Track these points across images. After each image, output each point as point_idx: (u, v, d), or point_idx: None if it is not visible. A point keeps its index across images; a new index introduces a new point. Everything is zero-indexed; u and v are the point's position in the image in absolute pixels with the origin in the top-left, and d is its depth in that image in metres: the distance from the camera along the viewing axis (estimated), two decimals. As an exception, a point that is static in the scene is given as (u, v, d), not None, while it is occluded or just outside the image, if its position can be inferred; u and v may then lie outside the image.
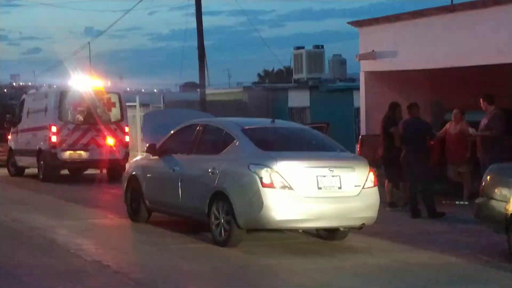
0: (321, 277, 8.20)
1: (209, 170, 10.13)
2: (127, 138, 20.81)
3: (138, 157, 13.02)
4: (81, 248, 9.78)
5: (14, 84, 65.90)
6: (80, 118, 20.10)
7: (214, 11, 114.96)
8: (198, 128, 11.27)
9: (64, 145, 19.54)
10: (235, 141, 10.13)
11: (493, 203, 9.39)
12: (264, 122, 11.52)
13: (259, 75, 63.11)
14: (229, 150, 10.15)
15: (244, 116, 19.79)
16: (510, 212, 8.99)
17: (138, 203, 11.95)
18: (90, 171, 21.84)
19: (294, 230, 10.40)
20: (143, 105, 26.48)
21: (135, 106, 26.38)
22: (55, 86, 21.03)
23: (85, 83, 20.33)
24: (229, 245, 9.69)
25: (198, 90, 25.51)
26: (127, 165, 12.93)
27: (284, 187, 9.31)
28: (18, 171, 22.24)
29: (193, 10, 23.99)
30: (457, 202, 14.08)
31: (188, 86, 39.59)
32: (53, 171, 19.98)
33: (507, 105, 15.27)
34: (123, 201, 12.48)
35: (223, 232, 9.78)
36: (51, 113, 19.79)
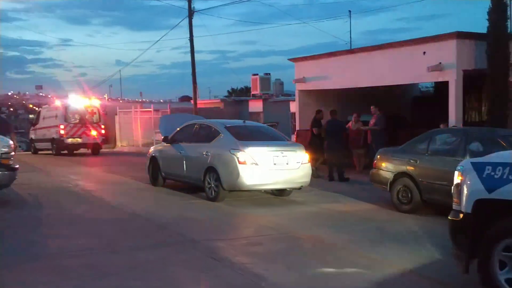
0: (276, 220, 8.17)
1: (204, 153, 10.01)
2: (103, 131, 22.67)
3: (158, 145, 12.68)
4: (121, 203, 9.56)
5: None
6: (77, 120, 22.02)
7: (198, 50, 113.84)
8: (196, 126, 11.12)
9: (68, 135, 21.66)
10: (221, 134, 10.02)
11: (382, 172, 9.51)
12: (238, 122, 11.33)
13: (228, 91, 62.41)
14: (217, 140, 10.01)
15: (222, 118, 19.66)
16: (391, 178, 9.16)
17: (157, 174, 11.76)
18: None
19: (259, 191, 10.38)
20: (155, 110, 26.30)
21: (150, 111, 26.12)
22: (62, 103, 22.91)
23: (79, 101, 22.85)
24: (217, 200, 9.61)
25: (191, 101, 25.33)
26: (150, 149, 12.61)
27: (252, 163, 9.26)
28: (35, 151, 23.62)
29: (185, 49, 24.06)
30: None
31: (184, 98, 38.89)
32: (61, 150, 21.88)
33: (386, 111, 15.48)
34: (146, 172, 12.25)
35: (213, 192, 9.71)
36: (60, 118, 21.81)
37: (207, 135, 10.49)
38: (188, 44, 23.75)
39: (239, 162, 9.21)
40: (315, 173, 13.22)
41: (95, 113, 22.59)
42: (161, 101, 47.61)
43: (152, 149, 12.52)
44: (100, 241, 6.60)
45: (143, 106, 30.06)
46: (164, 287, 4.86)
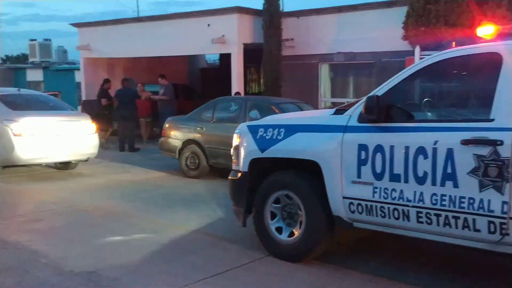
0: (60, 194, 7.69)
1: None
2: None
3: None
4: None
5: None
6: None
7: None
8: None
9: None
10: (-11, 103, 8.83)
11: (171, 140, 9.68)
12: (12, 90, 10.15)
13: (1, 58, 54.90)
14: (-15, 111, 8.79)
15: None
16: (180, 146, 9.43)
17: None
18: None
19: (39, 165, 9.59)
20: None
21: None
22: None
23: None
24: (-11, 178, 8.57)
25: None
26: None
27: (30, 135, 8.44)
28: None
29: None
30: None
31: None
32: None
33: (175, 80, 15.75)
34: None
35: (-17, 169, 8.60)
36: None
37: (-28, 105, 9.11)
38: None
39: (14, 134, 8.32)
40: (105, 145, 12.84)
41: None
42: None
43: None
44: None
45: None
46: None
